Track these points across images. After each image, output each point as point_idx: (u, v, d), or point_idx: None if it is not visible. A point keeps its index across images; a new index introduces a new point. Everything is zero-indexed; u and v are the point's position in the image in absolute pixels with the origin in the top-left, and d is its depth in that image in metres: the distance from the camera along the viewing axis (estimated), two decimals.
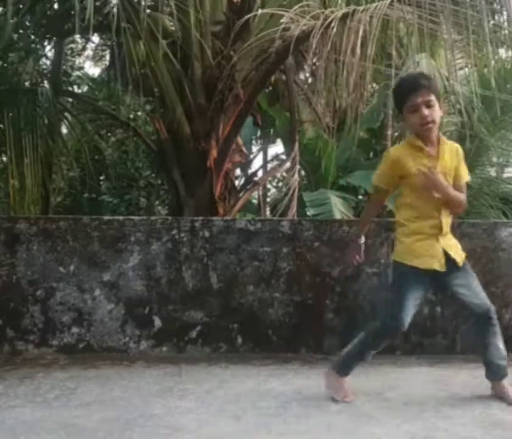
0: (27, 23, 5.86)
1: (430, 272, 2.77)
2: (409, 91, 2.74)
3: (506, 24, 4.28)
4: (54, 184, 7.41)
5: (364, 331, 2.91)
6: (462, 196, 2.85)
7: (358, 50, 4.08)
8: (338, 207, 7.15)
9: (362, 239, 3.01)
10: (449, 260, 2.78)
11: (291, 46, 4.46)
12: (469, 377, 3.18)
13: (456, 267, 2.80)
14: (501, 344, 2.81)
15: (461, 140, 7.60)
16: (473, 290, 2.80)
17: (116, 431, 2.38)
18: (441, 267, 2.77)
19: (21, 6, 5.43)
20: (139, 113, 8.54)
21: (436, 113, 2.73)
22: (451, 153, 2.83)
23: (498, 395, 2.82)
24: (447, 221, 2.82)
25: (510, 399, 2.76)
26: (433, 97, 2.72)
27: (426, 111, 2.69)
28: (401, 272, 2.84)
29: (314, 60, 5.09)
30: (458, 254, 2.84)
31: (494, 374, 2.82)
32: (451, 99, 5.93)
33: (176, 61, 5.07)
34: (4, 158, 6.45)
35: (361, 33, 4.01)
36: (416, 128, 2.76)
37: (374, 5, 4.06)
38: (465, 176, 2.91)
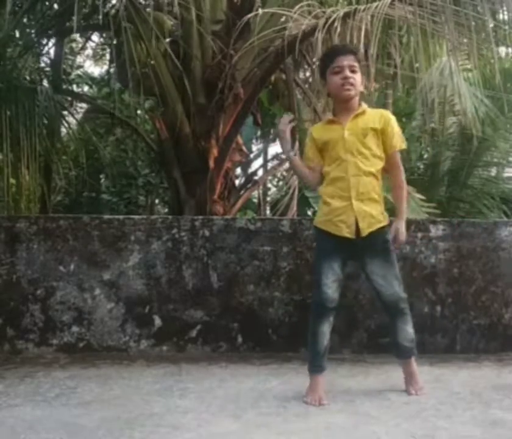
0: (27, 20, 5.86)
1: (343, 239, 2.81)
2: (336, 54, 2.88)
3: (506, 22, 4.28)
4: (53, 183, 7.41)
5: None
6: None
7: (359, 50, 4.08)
8: None
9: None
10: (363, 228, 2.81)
11: (293, 45, 4.45)
12: (469, 376, 3.19)
13: (371, 245, 2.80)
14: (409, 328, 2.90)
15: (463, 141, 7.63)
16: (388, 280, 2.83)
17: (116, 430, 2.38)
18: (351, 234, 2.80)
19: (20, 5, 5.43)
20: (138, 112, 8.54)
21: (358, 80, 2.85)
22: (369, 117, 2.88)
23: (405, 374, 2.93)
24: (357, 181, 2.80)
25: (413, 383, 2.88)
26: (357, 65, 2.85)
27: (349, 73, 2.82)
28: (317, 238, 2.97)
29: (314, 59, 5.09)
30: (367, 224, 2.81)
31: (400, 353, 2.93)
32: (455, 99, 5.94)
33: (176, 60, 5.07)
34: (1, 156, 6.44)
35: (363, 32, 4.00)
36: (337, 89, 2.84)
37: (375, 4, 4.05)
38: (397, 144, 2.89)
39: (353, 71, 2.82)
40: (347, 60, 2.83)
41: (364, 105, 2.93)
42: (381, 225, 2.84)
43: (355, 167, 2.81)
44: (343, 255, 2.85)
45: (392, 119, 2.91)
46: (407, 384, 2.91)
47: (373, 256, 2.83)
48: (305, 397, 2.79)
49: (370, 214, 2.81)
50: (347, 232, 2.80)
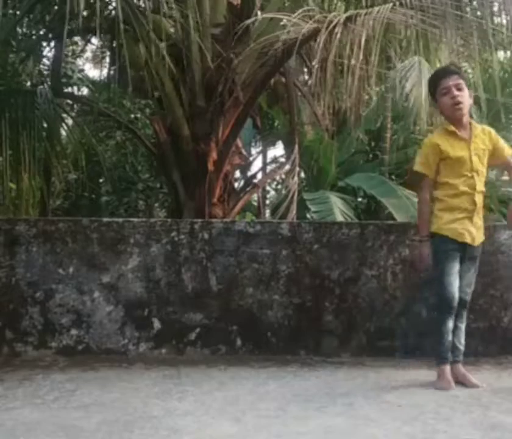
0: (27, 24, 5.86)
1: (462, 245, 3.06)
2: (441, 76, 3.15)
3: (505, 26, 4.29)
4: (53, 187, 7.41)
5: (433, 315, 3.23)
6: None
7: (360, 54, 4.08)
8: (338, 206, 7.19)
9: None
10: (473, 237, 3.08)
11: (292, 48, 4.46)
12: None
13: (475, 248, 3.10)
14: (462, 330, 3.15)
15: None
16: (468, 278, 3.13)
17: (115, 433, 2.38)
18: (472, 242, 3.08)
19: (19, 7, 5.43)
20: (138, 115, 8.55)
21: (466, 96, 3.08)
22: (483, 136, 3.12)
23: (458, 376, 3.08)
24: (480, 198, 3.09)
25: (471, 382, 3.05)
26: (462, 82, 3.09)
27: (456, 92, 3.04)
28: (440, 244, 3.09)
29: (314, 63, 5.09)
30: (479, 236, 3.13)
31: (454, 356, 3.09)
32: None
33: (176, 64, 5.07)
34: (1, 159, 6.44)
35: (364, 37, 4.01)
36: (448, 109, 3.08)
37: (376, 9, 4.05)
38: (508, 150, 3.19)
39: (459, 89, 3.04)
40: (452, 80, 3.05)
41: (471, 120, 3.15)
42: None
43: (479, 185, 3.09)
44: (461, 258, 3.10)
45: (495, 133, 3.20)
46: (465, 380, 3.06)
47: (471, 257, 3.12)
48: (435, 384, 3.03)
49: (481, 226, 3.15)
50: (469, 240, 3.07)
